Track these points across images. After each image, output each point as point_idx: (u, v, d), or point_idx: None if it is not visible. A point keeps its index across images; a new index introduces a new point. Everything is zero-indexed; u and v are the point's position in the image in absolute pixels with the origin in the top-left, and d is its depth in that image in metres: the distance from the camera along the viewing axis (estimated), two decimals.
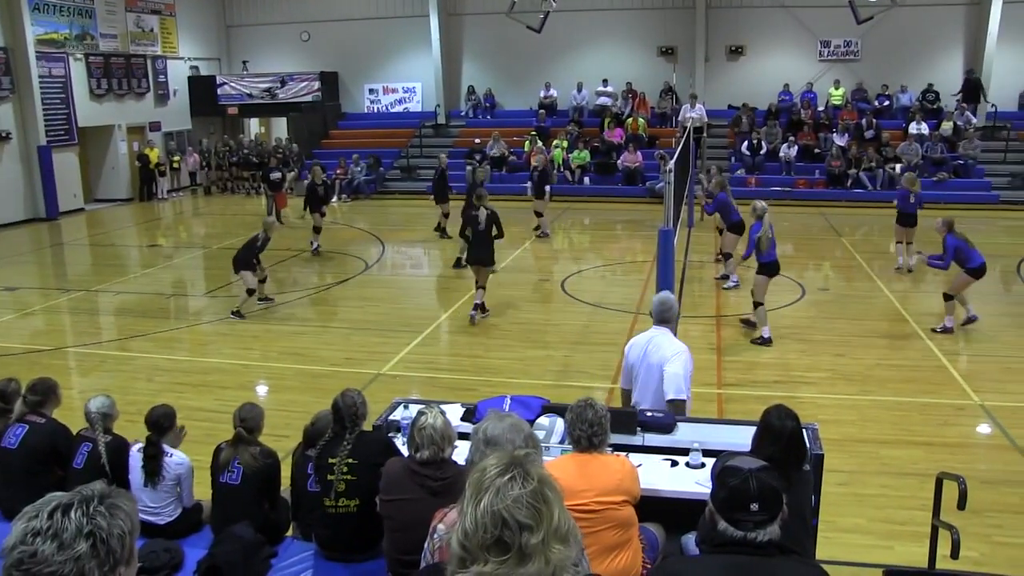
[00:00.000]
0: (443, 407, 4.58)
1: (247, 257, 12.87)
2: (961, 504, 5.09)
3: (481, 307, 12.36)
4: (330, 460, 4.76)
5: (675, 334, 6.40)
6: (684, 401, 5.97)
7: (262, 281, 13.37)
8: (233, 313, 12.83)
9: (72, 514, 1.86)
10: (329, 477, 4.73)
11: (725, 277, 14.39)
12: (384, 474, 4.39)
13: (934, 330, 11.60)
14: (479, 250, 12.29)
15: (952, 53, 26.12)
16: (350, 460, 4.73)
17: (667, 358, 6.00)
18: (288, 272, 16.33)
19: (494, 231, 12.23)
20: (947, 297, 11.61)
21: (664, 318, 6.28)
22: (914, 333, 11.69)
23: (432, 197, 18.93)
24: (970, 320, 11.73)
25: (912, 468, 7.50)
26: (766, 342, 11.13)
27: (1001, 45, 24.96)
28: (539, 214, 18.75)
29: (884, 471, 7.58)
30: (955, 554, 4.95)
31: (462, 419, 5.59)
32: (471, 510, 2.09)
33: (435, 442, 4.21)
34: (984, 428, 8.66)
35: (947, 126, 24.44)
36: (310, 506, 4.97)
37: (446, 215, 18.43)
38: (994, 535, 6.39)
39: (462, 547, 2.08)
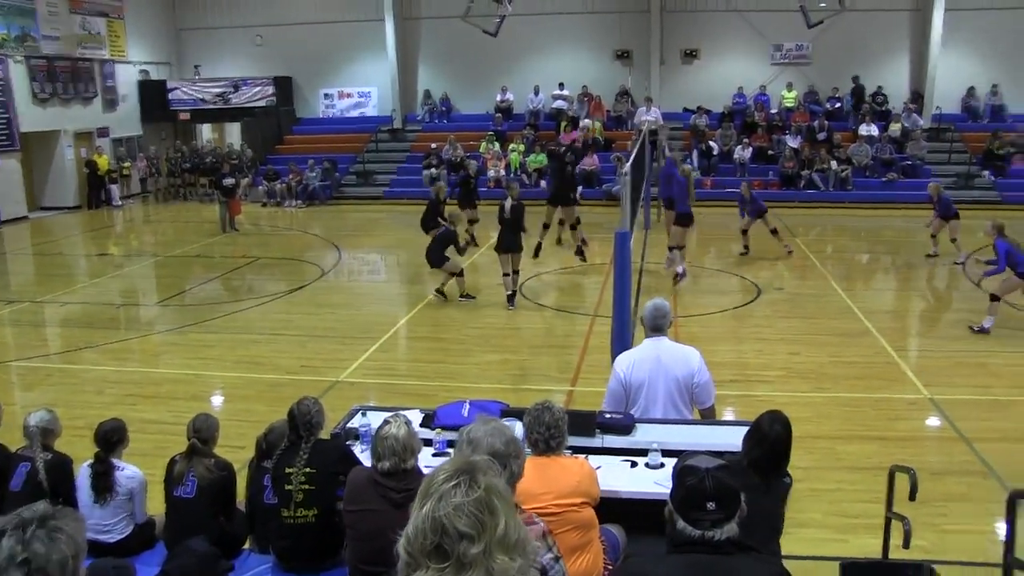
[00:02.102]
0: (406, 416, 4.53)
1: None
2: (912, 495, 5.17)
3: (513, 296, 13.04)
4: (287, 470, 4.72)
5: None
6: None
7: None
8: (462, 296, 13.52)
9: (3, 542, 1.80)
10: (287, 487, 4.69)
11: (681, 275, 14.51)
12: (348, 483, 4.36)
13: (971, 328, 11.65)
14: (506, 239, 12.91)
15: (899, 57, 26.64)
16: (308, 469, 4.69)
17: (695, 368, 5.85)
18: (242, 280, 16.17)
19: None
20: (993, 298, 11.64)
21: (658, 325, 5.99)
22: (866, 330, 11.86)
23: (456, 202, 18.20)
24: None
25: (866, 462, 7.61)
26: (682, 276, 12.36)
27: (944, 50, 25.54)
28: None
29: (839, 466, 7.70)
30: (907, 544, 5.06)
31: (422, 425, 5.56)
32: (415, 515, 2.07)
33: (396, 452, 4.18)
34: (934, 421, 8.83)
35: (895, 128, 24.88)
36: (267, 518, 4.90)
37: (473, 221, 17.90)
38: (943, 524, 6.52)
39: (406, 551, 2.07)
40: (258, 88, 28.46)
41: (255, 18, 28.87)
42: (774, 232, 16.40)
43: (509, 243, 12.94)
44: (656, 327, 5.98)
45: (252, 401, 9.52)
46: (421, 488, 2.13)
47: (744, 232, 16.68)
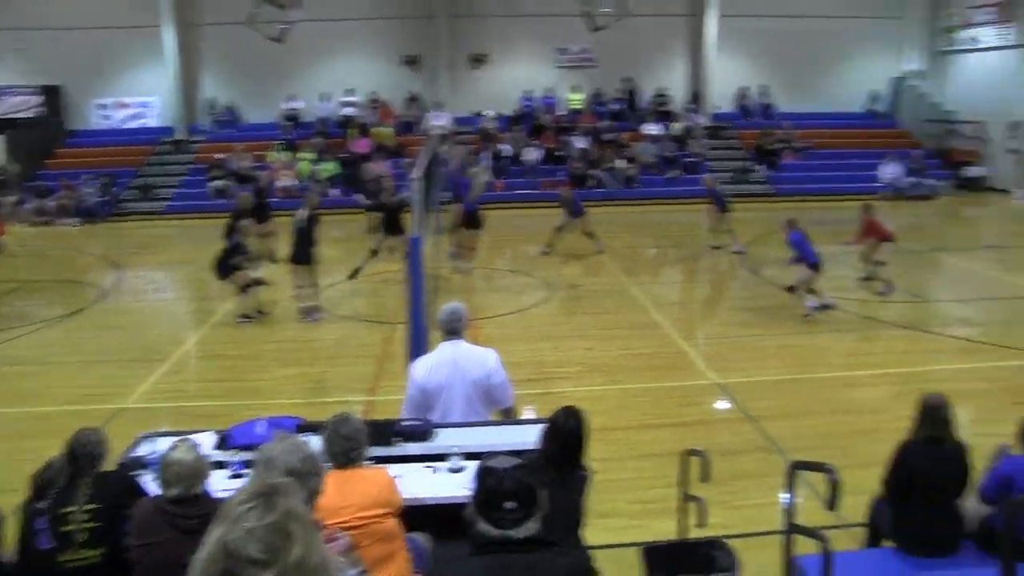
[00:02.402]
0: (196, 438, 4.37)
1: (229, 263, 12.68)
2: (705, 476, 5.47)
3: (312, 310, 12.72)
4: (66, 509, 4.36)
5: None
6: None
7: None
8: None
9: None
10: (66, 528, 4.33)
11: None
12: (134, 516, 4.10)
13: (806, 316, 12.27)
14: (297, 251, 12.49)
15: (678, 60, 28.16)
16: (90, 505, 4.36)
17: (492, 368, 5.90)
18: (11, 307, 14.84)
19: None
20: (791, 289, 12.42)
21: (453, 328, 5.99)
22: (656, 322, 12.39)
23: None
24: (826, 306, 12.39)
25: (661, 449, 7.91)
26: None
27: (719, 53, 27.35)
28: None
29: (636, 455, 8.00)
30: (702, 523, 5.36)
31: (216, 447, 5.38)
32: (207, 540, 2.00)
33: (183, 478, 4.01)
34: (722, 404, 9.33)
35: (677, 127, 26.12)
36: (43, 565, 4.38)
37: (266, 235, 16.51)
38: (734, 500, 6.93)
39: None
40: (23, 98, 26.49)
41: (14, 21, 26.54)
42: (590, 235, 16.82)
43: (300, 255, 12.58)
44: (451, 330, 6.00)
45: (25, 438, 8.65)
46: (219, 511, 2.06)
47: (559, 230, 17.05)
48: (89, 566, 4.33)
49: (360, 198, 16.02)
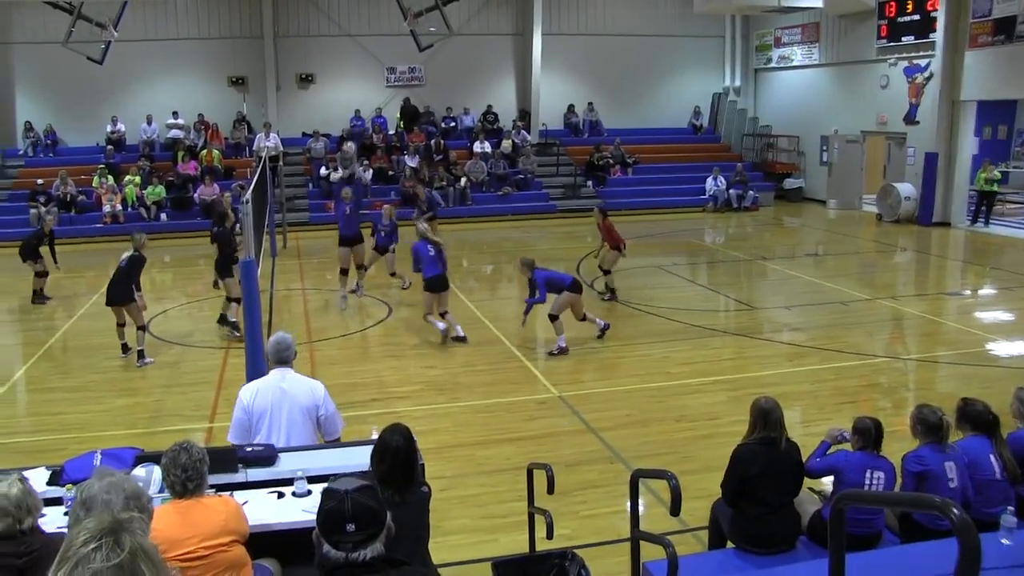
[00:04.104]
0: (24, 474, 4.10)
1: None
2: (550, 489, 5.54)
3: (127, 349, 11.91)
4: None
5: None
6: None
7: None
8: None
9: None
10: None
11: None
12: None
13: (551, 353, 11.78)
14: (115, 289, 11.58)
15: (506, 78, 28.58)
16: None
17: (320, 398, 5.94)
18: None
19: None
20: (552, 318, 11.81)
21: (282, 358, 6.04)
22: (495, 338, 12.48)
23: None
24: (603, 329, 12.30)
25: (506, 463, 8.00)
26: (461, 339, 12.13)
27: (545, 71, 27.97)
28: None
29: (481, 471, 8.02)
30: (550, 534, 5.40)
31: (48, 483, 5.10)
32: None
33: (9, 513, 3.73)
34: (564, 417, 9.43)
35: (507, 144, 26.49)
36: None
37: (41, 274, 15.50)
38: (581, 511, 7.03)
39: None
40: None
41: None
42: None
43: (116, 295, 11.60)
44: (280, 360, 6.06)
45: None
46: (60, 552, 1.94)
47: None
48: None
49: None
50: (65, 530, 3.67)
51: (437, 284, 11.91)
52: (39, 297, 15.40)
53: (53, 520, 4.30)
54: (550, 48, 27.76)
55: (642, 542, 5.12)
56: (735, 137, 29.57)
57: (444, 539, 6.26)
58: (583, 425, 9.08)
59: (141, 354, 11.74)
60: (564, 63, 28.23)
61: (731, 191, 25.85)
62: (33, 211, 22.70)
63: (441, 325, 12.06)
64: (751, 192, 26.09)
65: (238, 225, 13.26)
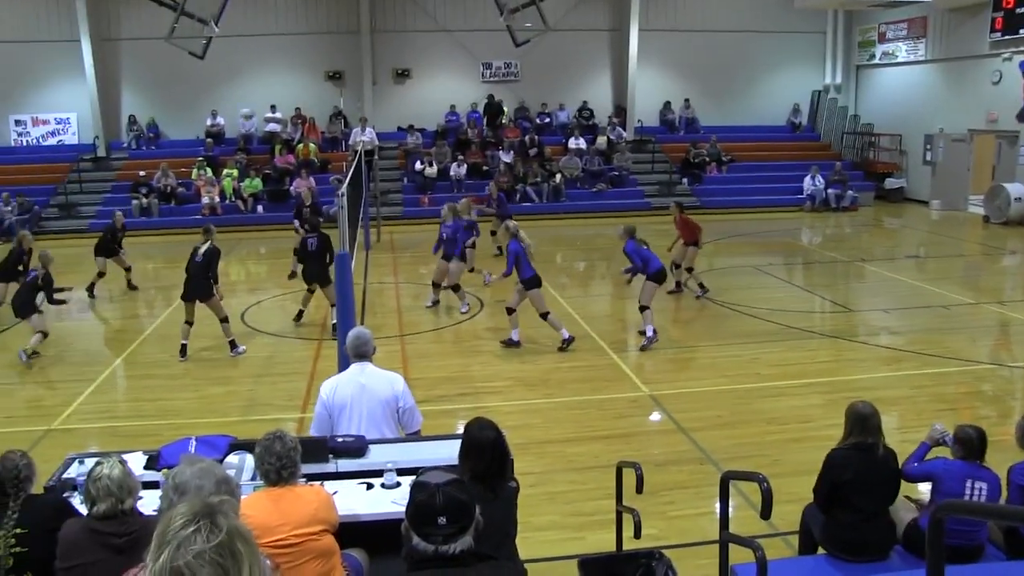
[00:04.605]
0: (123, 456, 4.22)
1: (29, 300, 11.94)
2: (639, 488, 5.50)
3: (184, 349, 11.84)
4: None
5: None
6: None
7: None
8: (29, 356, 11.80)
9: None
10: None
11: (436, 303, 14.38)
12: (61, 538, 3.96)
13: (643, 345, 11.83)
14: (194, 285, 11.65)
15: (602, 74, 28.44)
16: (18, 530, 4.23)
17: (400, 391, 5.97)
18: None
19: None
20: (643, 308, 11.92)
21: (361, 352, 6.08)
22: (587, 335, 12.42)
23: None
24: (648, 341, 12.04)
25: (595, 461, 7.96)
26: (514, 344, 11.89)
27: (641, 67, 27.66)
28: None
29: (570, 467, 8.00)
30: (638, 534, 5.38)
31: (145, 467, 5.27)
32: (152, 565, 1.94)
33: (112, 493, 3.89)
34: (654, 416, 9.38)
35: (602, 140, 26.37)
36: None
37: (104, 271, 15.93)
38: (668, 511, 6.97)
39: None
40: None
41: None
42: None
43: (198, 290, 11.68)
44: (359, 354, 6.09)
45: None
46: (156, 535, 1.98)
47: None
48: None
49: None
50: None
51: (537, 282, 11.81)
52: (132, 287, 16.06)
53: (150, 503, 4.38)
54: (646, 44, 27.50)
55: (731, 545, 5.06)
56: (835, 135, 28.94)
57: (532, 535, 6.25)
58: (673, 425, 9.00)
59: (233, 344, 11.93)
60: (661, 59, 27.97)
61: (829, 190, 25.24)
62: (135, 202, 23.49)
63: (567, 333, 11.86)
64: (850, 192, 25.46)
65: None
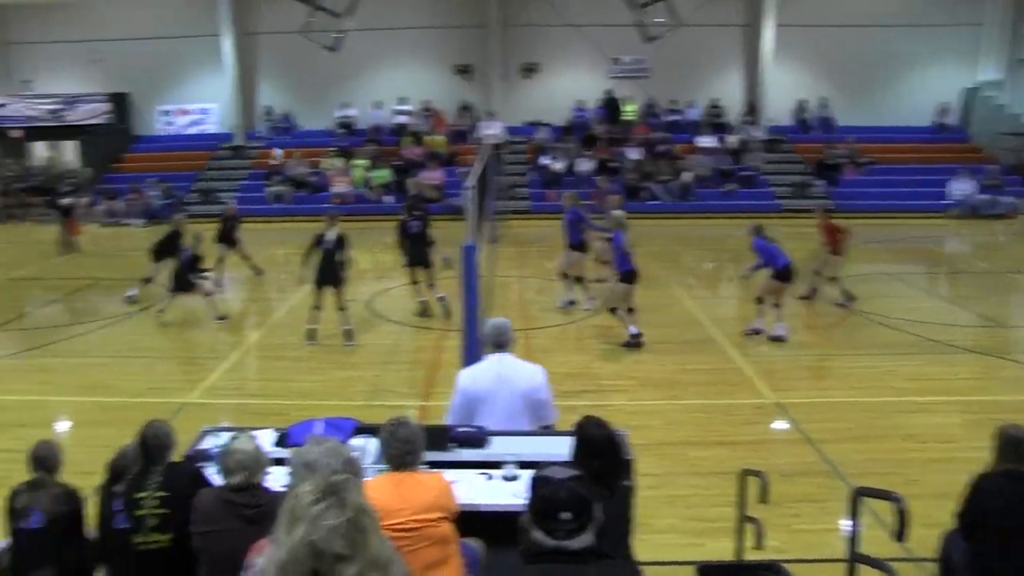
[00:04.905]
0: (255, 433, 4.46)
1: (185, 276, 13.02)
2: (763, 497, 5.33)
3: (348, 333, 12.07)
4: (139, 494, 4.54)
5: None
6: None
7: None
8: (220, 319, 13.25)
9: None
10: (139, 512, 4.51)
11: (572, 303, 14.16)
12: (196, 505, 4.24)
13: (744, 331, 12.14)
14: (326, 271, 11.78)
15: (734, 71, 27.85)
16: (161, 493, 4.53)
17: (538, 384, 5.90)
18: (85, 301, 15.50)
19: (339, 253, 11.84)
20: (758, 301, 12.11)
21: (500, 342, 6.02)
22: (713, 338, 12.19)
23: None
24: (778, 339, 11.98)
25: (718, 467, 7.77)
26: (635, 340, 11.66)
27: (776, 63, 26.89)
28: None
29: (693, 471, 7.84)
30: (760, 544, 5.22)
31: (275, 444, 5.43)
32: (286, 540, 2.03)
33: (246, 467, 4.14)
34: (781, 424, 9.09)
35: (733, 139, 25.85)
36: (119, 544, 4.64)
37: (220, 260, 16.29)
38: (793, 523, 6.73)
39: None
40: (94, 105, 27.49)
41: (90, 32, 27.60)
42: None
43: (329, 276, 11.87)
44: (498, 344, 6.03)
45: (99, 426, 9.08)
46: (286, 513, 2.08)
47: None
48: (159, 550, 4.52)
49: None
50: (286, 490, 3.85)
51: (635, 277, 11.68)
52: (257, 272, 16.55)
53: (277, 480, 4.56)
54: (782, 39, 26.74)
55: (859, 565, 4.83)
56: (989, 136, 26.88)
57: (649, 537, 6.12)
58: (800, 435, 8.70)
59: (349, 334, 12.08)
60: (796, 55, 27.13)
61: (981, 196, 23.86)
62: (268, 190, 24.27)
63: (634, 329, 11.78)
64: (1006, 197, 23.94)
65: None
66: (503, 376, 5.88)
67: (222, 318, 13.37)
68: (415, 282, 13.52)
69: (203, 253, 13.65)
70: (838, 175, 25.14)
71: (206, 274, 13.79)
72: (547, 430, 5.95)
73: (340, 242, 11.82)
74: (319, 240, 11.84)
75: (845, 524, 5.52)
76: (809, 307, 14.03)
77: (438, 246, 13.33)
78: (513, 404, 5.82)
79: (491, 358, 6.03)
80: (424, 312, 13.54)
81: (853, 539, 4.99)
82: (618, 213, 12.12)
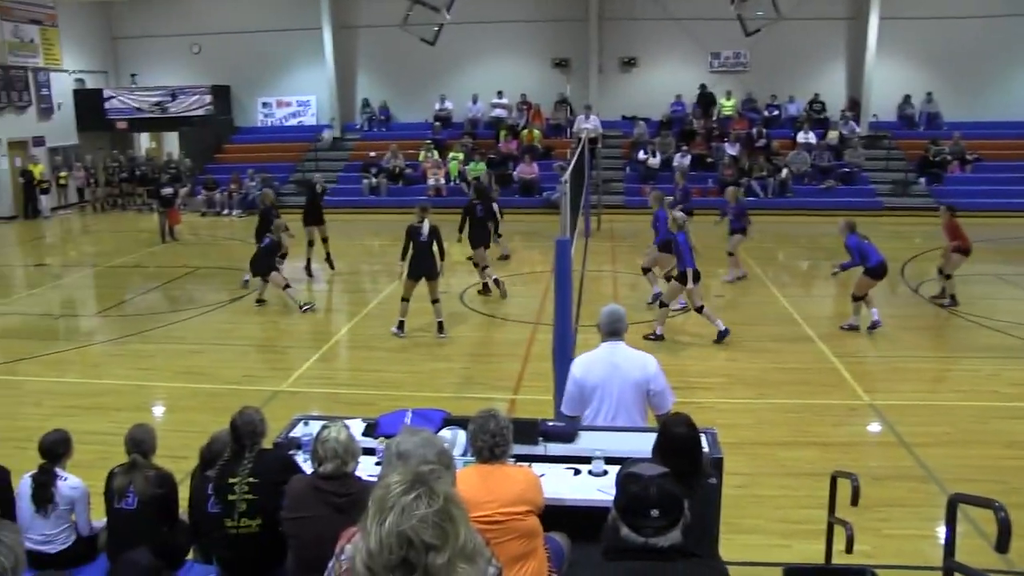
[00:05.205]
0: (346, 422, 4.51)
1: (267, 261, 13.52)
2: (854, 501, 5.24)
3: (440, 326, 12.13)
4: (230, 480, 4.65)
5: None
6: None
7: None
8: (304, 308, 13.63)
9: None
10: (230, 497, 4.63)
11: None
12: (288, 491, 4.34)
13: (841, 327, 12.05)
14: (421, 263, 11.87)
15: (836, 65, 27.17)
16: (251, 479, 4.64)
17: (651, 373, 5.82)
18: (182, 290, 15.96)
19: (434, 245, 11.93)
20: (855, 298, 12.05)
21: (614, 329, 5.94)
22: (807, 336, 12.01)
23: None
24: (874, 325, 12.02)
25: (808, 468, 7.68)
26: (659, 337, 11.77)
27: (879, 58, 26.05)
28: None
29: (781, 472, 7.75)
30: (849, 549, 5.11)
31: (364, 434, 5.51)
32: (375, 529, 2.04)
33: (338, 455, 4.18)
34: (874, 427, 8.92)
35: (833, 135, 25.29)
36: (210, 528, 4.81)
37: (323, 239, 16.70)
38: (883, 528, 6.59)
39: (367, 568, 2.04)
40: (196, 97, 28.15)
41: (193, 26, 28.50)
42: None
43: (425, 268, 11.93)
44: (612, 331, 5.94)
45: (193, 411, 9.40)
46: (375, 502, 2.10)
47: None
48: (248, 534, 4.63)
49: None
50: (375, 479, 3.92)
51: (695, 277, 11.60)
52: (330, 260, 16.59)
53: (365, 469, 4.63)
54: (887, 32, 25.80)
55: (956, 574, 4.72)
56: None
57: (736, 537, 6.09)
58: (894, 437, 8.52)
59: (441, 326, 12.14)
60: (902, 49, 26.19)
61: None
62: (365, 181, 24.65)
63: (721, 324, 11.77)
64: None
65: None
66: (616, 365, 5.83)
67: (306, 307, 13.67)
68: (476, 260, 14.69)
69: (285, 242, 14.11)
70: (942, 172, 24.38)
71: (282, 263, 14.31)
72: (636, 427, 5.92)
73: (434, 234, 11.91)
74: (415, 233, 11.90)
75: (940, 531, 5.40)
76: (914, 308, 13.69)
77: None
78: (624, 393, 5.79)
79: (604, 346, 5.96)
80: (484, 290, 14.29)
81: (949, 547, 4.88)
82: (678, 215, 12.10)
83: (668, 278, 13.41)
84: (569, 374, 6.00)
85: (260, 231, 14.66)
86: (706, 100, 26.87)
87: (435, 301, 12.10)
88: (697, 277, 11.58)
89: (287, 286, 13.67)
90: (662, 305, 12.02)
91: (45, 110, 26.62)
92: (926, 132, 25.85)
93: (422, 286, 12.00)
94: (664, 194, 14.89)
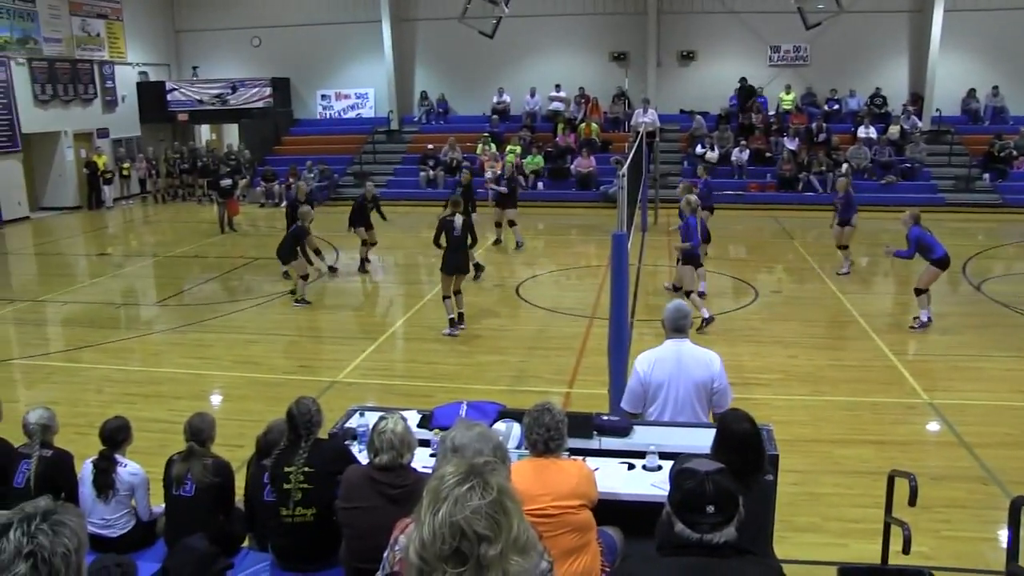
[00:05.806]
0: (403, 414, 4.54)
1: (292, 248, 13.68)
2: (912, 501, 5.15)
3: (461, 317, 12.13)
4: (286, 469, 4.71)
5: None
6: None
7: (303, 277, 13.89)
8: (297, 302, 13.67)
9: (11, 534, 1.82)
10: (285, 486, 4.69)
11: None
12: (344, 481, 4.38)
13: (912, 327, 11.87)
14: (454, 258, 11.86)
15: (898, 59, 26.65)
16: (306, 468, 4.69)
17: (716, 372, 5.80)
18: (241, 280, 16.19)
19: (469, 238, 12.00)
20: (918, 292, 11.90)
21: (679, 326, 5.92)
22: (864, 334, 11.85)
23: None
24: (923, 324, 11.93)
25: (864, 466, 7.58)
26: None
27: (944, 52, 25.46)
28: (512, 223, 18.07)
29: (837, 470, 7.66)
30: (907, 550, 5.02)
31: (419, 426, 5.56)
32: (429, 520, 2.06)
33: (394, 447, 4.21)
34: (933, 426, 8.80)
35: (894, 130, 24.85)
36: (266, 516, 4.89)
37: (370, 243, 16.52)
38: (942, 530, 6.50)
39: (419, 558, 2.06)
40: (256, 89, 28.50)
41: (253, 19, 28.93)
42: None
43: (459, 262, 11.94)
44: (677, 328, 5.93)
45: (250, 400, 9.54)
46: (429, 493, 2.12)
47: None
48: (303, 523, 4.69)
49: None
50: (430, 471, 3.94)
51: (696, 260, 12.24)
52: (363, 265, 16.38)
53: (419, 460, 4.63)
54: (952, 25, 25.19)
55: None
56: None
57: (791, 535, 6.07)
58: (954, 437, 8.38)
59: (460, 318, 12.14)
60: (967, 42, 25.59)
61: None
62: (422, 174, 24.76)
63: (707, 312, 12.07)
64: None
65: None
66: (682, 362, 5.81)
67: (300, 303, 13.69)
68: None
69: (312, 236, 14.30)
70: (1007, 168, 23.85)
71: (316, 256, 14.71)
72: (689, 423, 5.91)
73: (467, 227, 11.97)
74: (448, 226, 11.83)
75: (1002, 535, 5.29)
76: (978, 306, 13.44)
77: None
78: (688, 392, 5.77)
79: (669, 343, 5.94)
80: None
81: (1012, 551, 4.78)
82: (692, 197, 12.50)
83: (675, 288, 13.32)
84: (632, 371, 5.98)
85: (290, 220, 14.98)
86: (745, 93, 26.56)
87: (457, 292, 12.10)
88: (697, 261, 11.90)
89: (305, 276, 13.79)
90: (688, 294, 12.03)
91: (109, 102, 27.17)
92: (991, 127, 25.31)
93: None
94: (693, 185, 14.98)
